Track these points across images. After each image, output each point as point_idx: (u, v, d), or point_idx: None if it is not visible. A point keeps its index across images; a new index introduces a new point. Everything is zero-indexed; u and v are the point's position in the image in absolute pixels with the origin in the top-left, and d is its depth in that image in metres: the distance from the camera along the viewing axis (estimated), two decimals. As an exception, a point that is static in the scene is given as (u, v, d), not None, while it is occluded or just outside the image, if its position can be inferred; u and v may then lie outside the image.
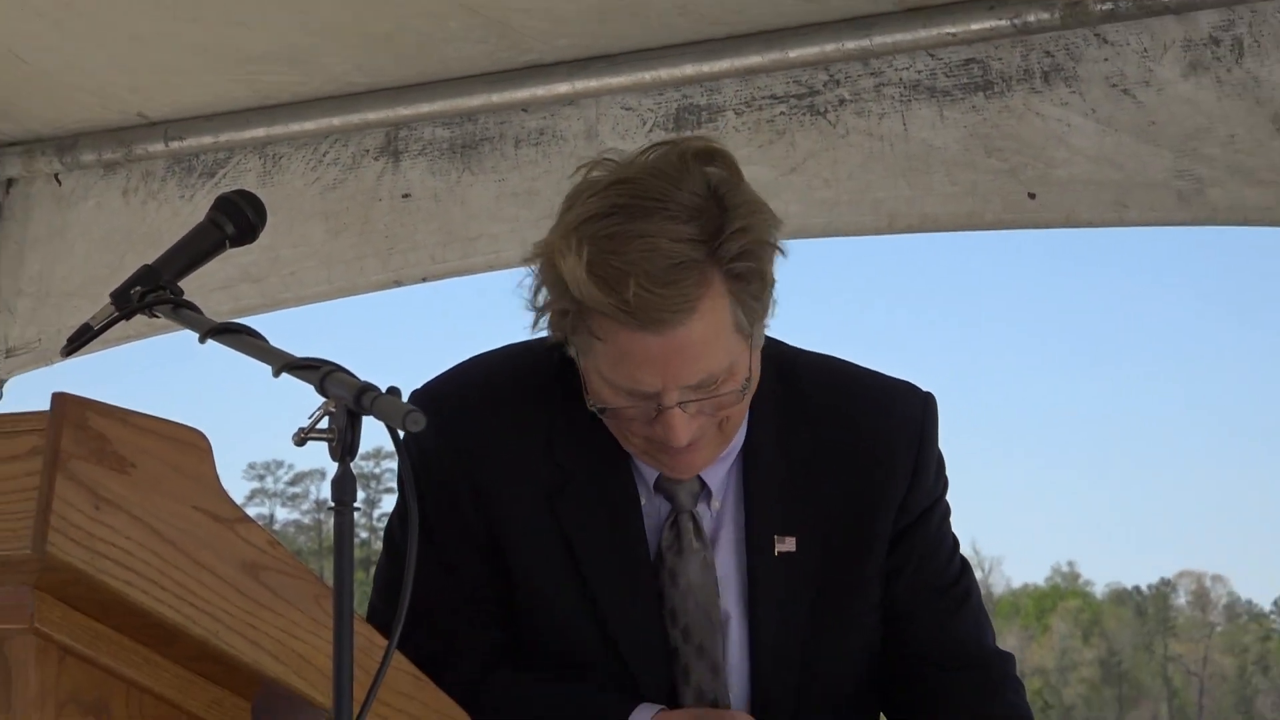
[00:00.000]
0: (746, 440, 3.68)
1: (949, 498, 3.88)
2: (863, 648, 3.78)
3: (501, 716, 3.55)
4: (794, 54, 5.36)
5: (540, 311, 3.59)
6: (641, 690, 3.66)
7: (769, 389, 3.68)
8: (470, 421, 3.63)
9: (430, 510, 3.55)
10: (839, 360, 3.84)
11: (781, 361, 3.71)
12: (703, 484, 3.65)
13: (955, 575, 3.84)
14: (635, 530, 3.67)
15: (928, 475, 3.75)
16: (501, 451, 3.65)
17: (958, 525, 3.92)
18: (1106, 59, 5.07)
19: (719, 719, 3.57)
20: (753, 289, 3.53)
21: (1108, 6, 5.00)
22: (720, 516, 3.67)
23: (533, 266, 3.59)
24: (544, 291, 3.58)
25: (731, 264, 3.47)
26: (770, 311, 3.62)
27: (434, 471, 3.56)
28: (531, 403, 3.70)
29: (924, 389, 3.82)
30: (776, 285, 3.63)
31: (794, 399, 3.71)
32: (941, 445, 3.83)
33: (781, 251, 3.62)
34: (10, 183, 6.54)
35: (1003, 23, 5.11)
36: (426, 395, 3.71)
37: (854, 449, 3.68)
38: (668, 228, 3.42)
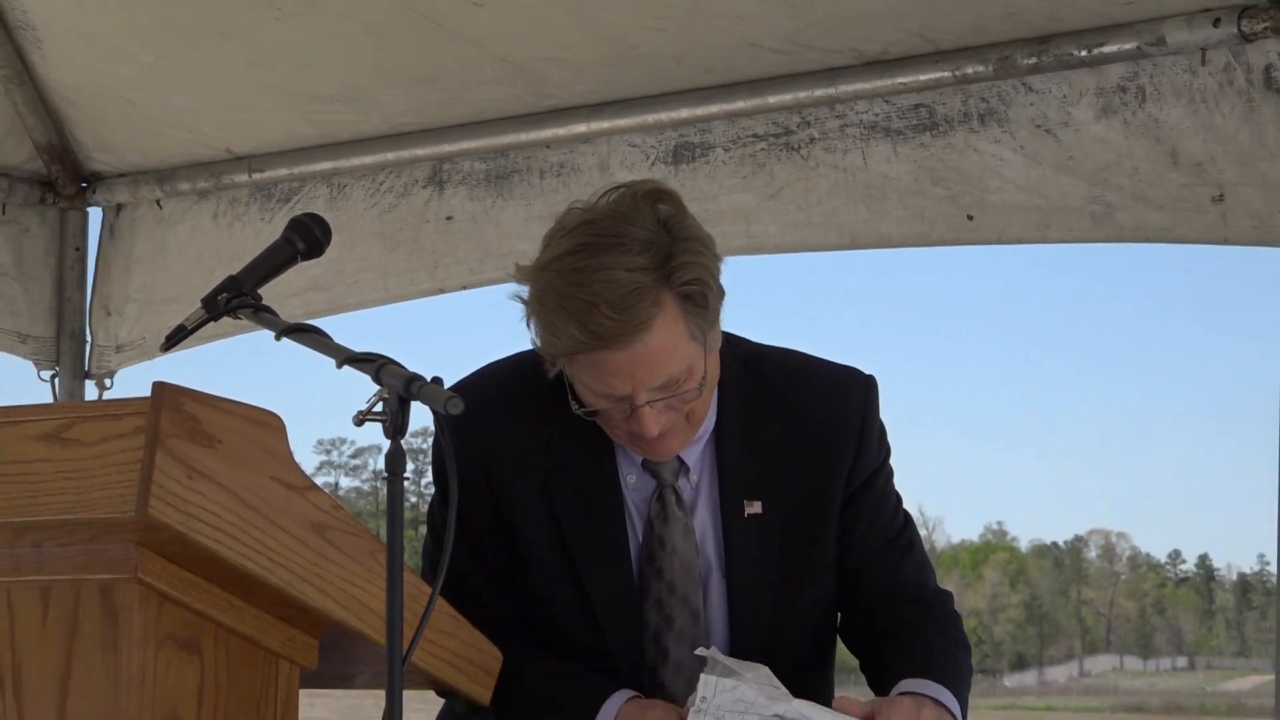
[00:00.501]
0: (717, 424, 3.69)
1: (894, 462, 3.89)
2: (824, 596, 3.78)
3: (503, 683, 3.55)
4: (773, 100, 5.36)
5: (541, 340, 3.60)
6: (622, 639, 3.69)
7: (738, 380, 3.70)
8: (483, 418, 3.62)
9: (458, 493, 3.56)
10: (796, 352, 3.85)
11: (748, 357, 3.73)
12: (681, 462, 3.66)
13: (899, 528, 3.86)
14: (616, 504, 3.67)
15: (871, 445, 3.75)
16: (507, 443, 3.66)
17: (907, 493, 3.92)
18: (1032, 104, 5.07)
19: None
20: (700, 304, 3.54)
21: (1033, 60, 5.01)
22: (698, 488, 3.68)
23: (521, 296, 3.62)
24: (532, 323, 3.60)
25: (681, 287, 3.49)
26: (718, 319, 3.63)
27: (457, 460, 3.57)
28: (535, 401, 3.69)
29: (865, 373, 3.84)
30: (730, 295, 3.66)
31: (759, 388, 3.72)
32: (895, 425, 3.83)
33: (719, 267, 3.64)
34: (120, 208, 6.54)
35: (945, 74, 5.12)
36: (474, 379, 3.73)
37: (808, 427, 3.69)
38: (624, 259, 3.44)
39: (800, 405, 3.72)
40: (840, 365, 3.86)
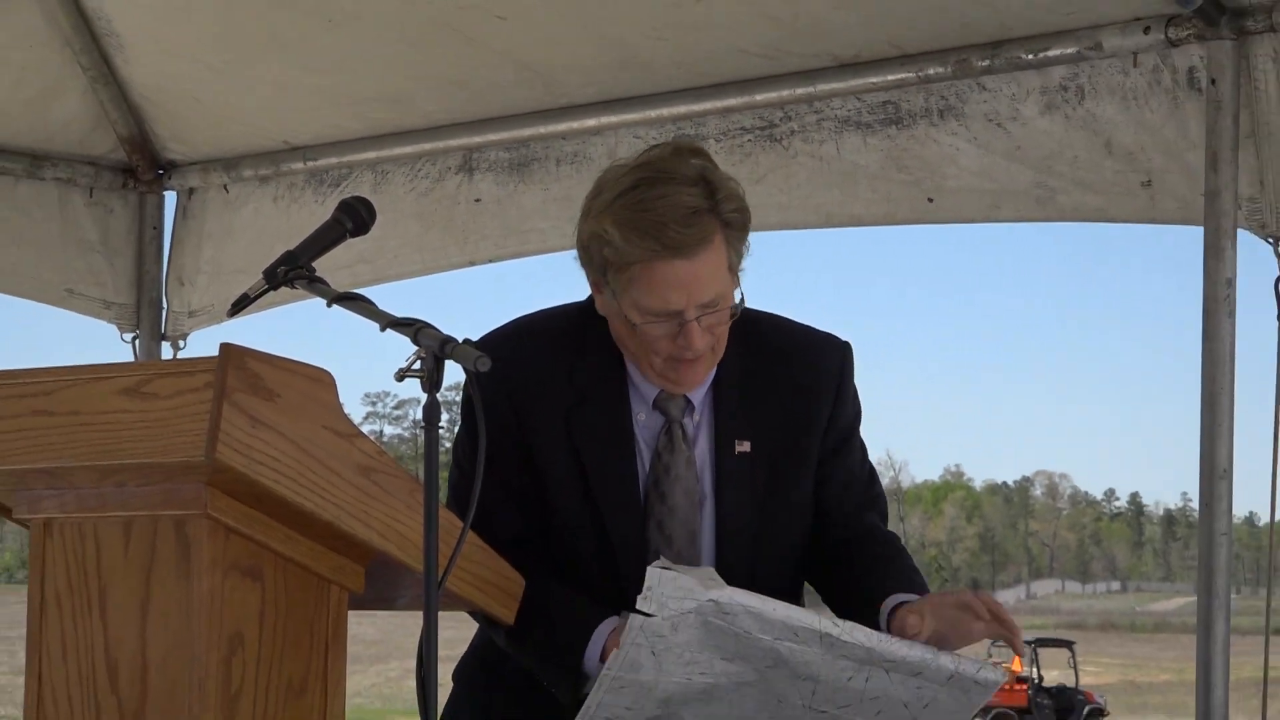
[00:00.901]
0: (717, 372, 3.68)
1: (867, 413, 3.87)
2: (799, 531, 3.75)
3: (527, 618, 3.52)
4: (758, 98, 5.35)
5: (594, 272, 3.60)
6: (628, 554, 3.65)
7: (735, 335, 3.67)
8: (515, 357, 3.61)
9: (478, 439, 3.55)
10: (783, 317, 3.83)
11: (745, 319, 3.71)
12: (689, 402, 3.65)
13: (867, 481, 3.84)
14: (628, 436, 3.64)
15: (846, 404, 3.74)
16: (535, 378, 3.63)
17: (878, 440, 3.98)
18: (985, 101, 5.05)
19: None
20: (740, 231, 3.58)
21: (986, 63, 5.00)
22: (698, 426, 3.66)
23: (579, 248, 3.62)
24: (592, 259, 3.59)
25: (727, 215, 3.53)
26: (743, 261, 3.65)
27: (484, 395, 3.57)
28: (559, 345, 3.68)
29: (843, 340, 3.82)
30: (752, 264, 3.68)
31: (753, 345, 3.70)
32: (867, 379, 3.80)
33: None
34: (191, 191, 6.54)
35: (909, 75, 5.10)
36: (484, 340, 3.71)
37: (793, 382, 3.66)
38: (681, 190, 3.48)
39: (787, 363, 3.70)
40: (822, 331, 3.85)
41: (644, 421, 3.66)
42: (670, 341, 3.55)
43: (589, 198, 3.58)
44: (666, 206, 3.46)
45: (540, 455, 3.62)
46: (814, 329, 3.87)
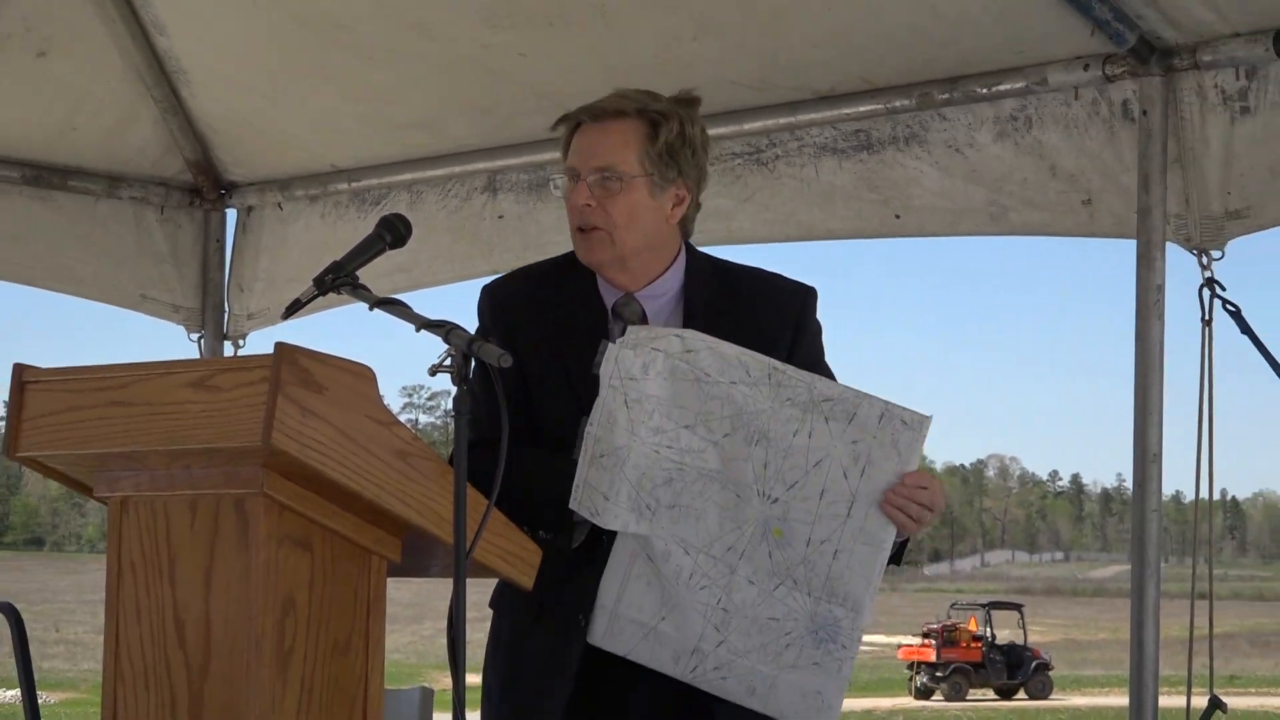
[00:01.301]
0: (686, 297, 3.63)
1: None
2: None
3: (512, 473, 3.33)
4: (747, 126, 5.34)
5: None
6: None
7: (705, 273, 3.68)
8: (507, 290, 3.65)
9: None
10: (759, 268, 3.75)
11: (721, 266, 3.67)
12: (643, 315, 3.60)
13: None
14: (597, 339, 3.53)
15: (805, 342, 3.65)
16: (526, 306, 3.63)
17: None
18: (945, 129, 5.05)
19: None
20: (653, 138, 3.58)
21: (945, 96, 4.99)
22: None
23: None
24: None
25: (649, 116, 3.59)
26: (672, 190, 3.65)
27: (485, 319, 3.57)
28: (549, 277, 3.68)
29: (808, 285, 3.76)
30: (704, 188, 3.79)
31: (724, 281, 3.63)
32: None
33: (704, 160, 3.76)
34: (250, 209, 6.54)
35: (879, 106, 5.10)
36: (492, 283, 3.74)
37: (756, 322, 3.59)
38: (628, 92, 3.65)
39: (752, 303, 3.64)
40: (789, 279, 3.77)
41: (617, 334, 3.56)
42: (570, 204, 3.61)
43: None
44: (607, 96, 3.64)
45: (532, 365, 3.57)
46: (782, 276, 3.81)
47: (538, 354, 3.60)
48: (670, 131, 3.60)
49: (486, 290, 3.74)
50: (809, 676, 3.37)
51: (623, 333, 3.50)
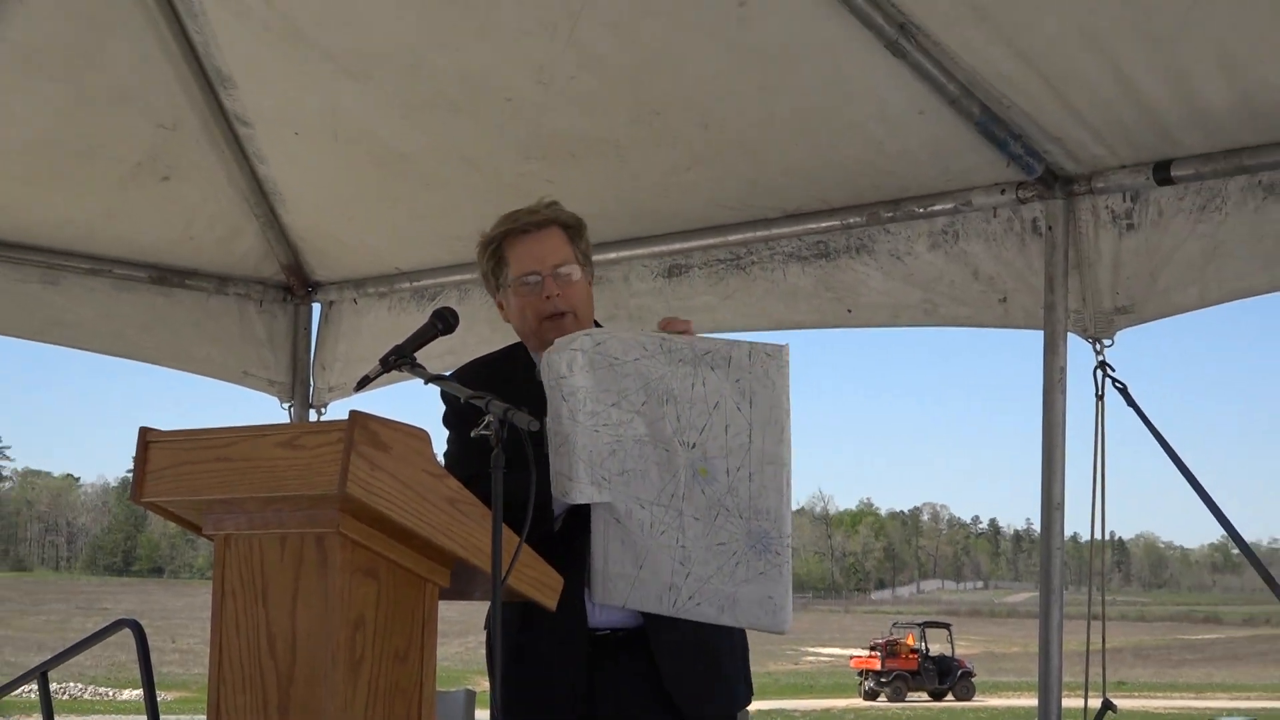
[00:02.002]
0: None
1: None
2: None
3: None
4: (729, 238, 5.34)
5: (494, 288, 3.73)
6: None
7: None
8: (477, 373, 3.65)
9: (457, 421, 3.52)
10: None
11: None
12: None
13: None
14: (541, 394, 3.50)
15: None
16: (496, 379, 3.53)
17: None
18: (888, 241, 5.04)
19: None
20: (576, 234, 3.68)
21: (890, 215, 4.98)
22: None
23: (483, 280, 3.81)
24: (486, 278, 3.76)
25: (563, 219, 3.68)
26: (591, 267, 3.76)
27: (454, 406, 3.55)
28: (489, 364, 3.72)
29: None
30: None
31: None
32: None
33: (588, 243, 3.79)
34: (331, 303, 6.55)
35: (836, 223, 5.09)
36: (463, 367, 3.76)
37: None
38: (536, 208, 3.69)
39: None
40: None
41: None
42: (539, 298, 3.60)
43: (480, 242, 3.78)
44: (518, 214, 3.68)
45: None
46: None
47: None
48: (583, 233, 3.70)
49: (461, 371, 3.77)
50: (759, 586, 3.30)
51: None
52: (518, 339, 3.81)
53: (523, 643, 3.60)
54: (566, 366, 3.36)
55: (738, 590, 3.32)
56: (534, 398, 3.48)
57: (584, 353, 3.37)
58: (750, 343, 3.25)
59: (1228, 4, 3.86)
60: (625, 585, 3.43)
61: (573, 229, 3.66)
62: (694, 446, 3.30)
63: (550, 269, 3.60)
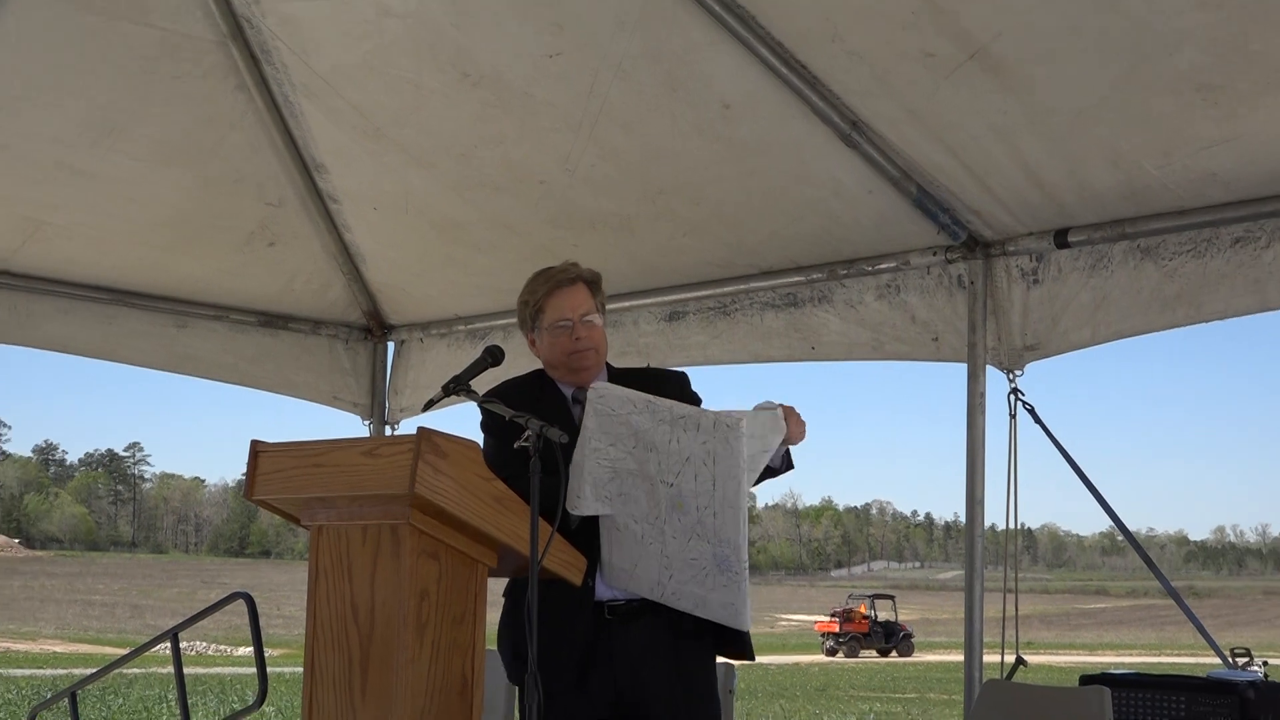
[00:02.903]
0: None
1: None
2: None
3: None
4: (717, 290, 5.34)
5: (529, 329, 3.64)
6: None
7: (617, 372, 3.65)
8: (502, 396, 3.49)
9: (495, 427, 3.48)
10: (646, 367, 3.82)
11: (620, 368, 3.67)
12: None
13: None
14: (567, 414, 3.52)
15: (689, 399, 3.55)
16: (526, 399, 3.48)
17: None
18: (844, 293, 5.04)
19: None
20: (596, 289, 3.61)
21: (845, 272, 4.98)
22: None
23: (519, 320, 3.70)
24: (523, 319, 3.66)
25: (586, 276, 3.60)
26: (605, 320, 3.65)
27: (491, 416, 3.47)
28: (518, 385, 3.61)
29: (680, 370, 3.71)
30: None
31: (626, 376, 3.61)
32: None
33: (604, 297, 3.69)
34: (402, 342, 6.54)
35: (802, 278, 5.09)
36: (500, 385, 3.63)
37: (658, 390, 3.41)
38: (558, 268, 3.61)
39: (647, 384, 3.50)
40: (668, 369, 3.79)
41: (573, 411, 3.56)
42: (569, 339, 3.54)
43: (520, 297, 3.68)
44: (553, 271, 3.60)
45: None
46: (663, 369, 3.82)
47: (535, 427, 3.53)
48: (600, 287, 3.65)
49: (488, 395, 3.62)
50: (723, 594, 3.30)
51: (578, 404, 3.54)
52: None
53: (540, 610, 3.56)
54: (592, 413, 3.37)
55: (707, 595, 3.34)
56: (557, 414, 3.47)
57: (590, 402, 3.38)
58: (715, 413, 3.26)
59: (1109, 108, 3.87)
60: (625, 577, 3.44)
61: (593, 284, 3.63)
62: (671, 485, 3.31)
63: (578, 317, 3.57)
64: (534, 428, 3.14)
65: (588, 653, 3.44)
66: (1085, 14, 3.57)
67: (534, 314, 3.62)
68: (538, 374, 3.68)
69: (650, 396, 3.35)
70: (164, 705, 16.92)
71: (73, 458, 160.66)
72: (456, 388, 3.38)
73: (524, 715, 3.06)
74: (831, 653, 46.56)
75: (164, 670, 22.58)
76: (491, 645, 3.52)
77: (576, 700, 3.42)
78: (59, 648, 37.04)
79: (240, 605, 5.30)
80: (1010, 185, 4.35)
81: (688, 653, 3.48)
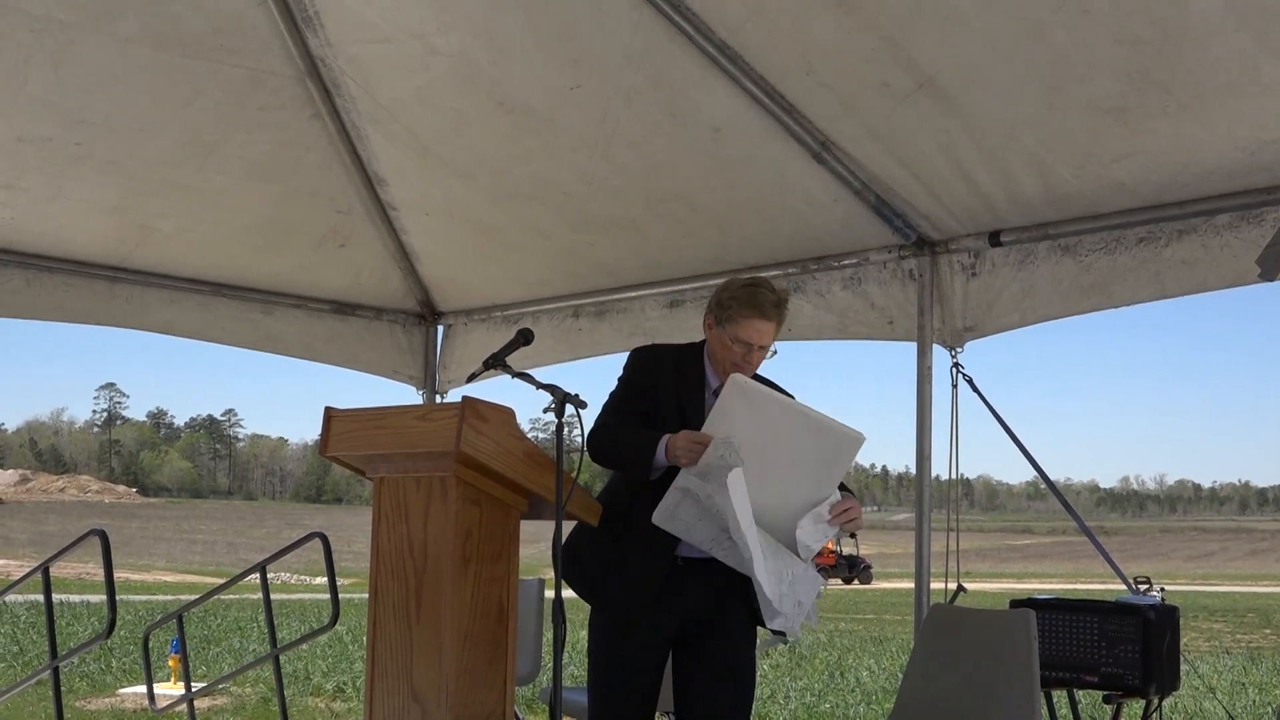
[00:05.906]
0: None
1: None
2: None
3: (629, 438, 3.30)
4: (711, 282, 5.29)
5: (713, 316, 3.41)
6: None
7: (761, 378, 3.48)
8: (649, 357, 3.43)
9: (631, 381, 3.38)
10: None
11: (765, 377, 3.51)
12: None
13: None
14: (702, 399, 3.39)
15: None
16: (660, 369, 3.42)
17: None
18: (815, 284, 5.01)
19: (703, 440, 3.21)
20: (782, 324, 3.40)
21: (815, 268, 4.95)
22: None
23: (713, 302, 3.42)
24: (721, 307, 3.38)
25: (782, 314, 3.37)
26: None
27: (634, 371, 3.39)
28: (675, 355, 3.47)
29: (789, 392, 3.50)
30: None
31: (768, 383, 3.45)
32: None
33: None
34: (449, 325, 6.49)
35: (779, 272, 5.05)
36: (649, 347, 3.52)
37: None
38: (769, 294, 3.34)
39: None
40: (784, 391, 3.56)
41: (709, 397, 3.42)
42: (740, 357, 3.36)
43: (720, 289, 3.44)
44: (763, 299, 3.33)
45: (662, 403, 3.40)
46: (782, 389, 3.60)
47: (666, 393, 3.43)
48: (783, 312, 3.41)
49: (637, 351, 3.49)
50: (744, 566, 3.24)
51: (715, 395, 3.37)
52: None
53: (621, 558, 3.40)
54: (699, 479, 3.22)
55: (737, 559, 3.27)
56: (693, 393, 3.38)
57: (685, 494, 3.23)
58: (840, 428, 3.21)
59: (1035, 127, 3.85)
60: (684, 527, 3.30)
61: (782, 316, 3.40)
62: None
63: (758, 344, 3.38)
64: (559, 394, 3.13)
65: (664, 585, 3.38)
66: (1015, 47, 3.55)
67: (727, 315, 3.38)
68: (697, 349, 3.50)
69: (781, 396, 3.27)
70: (255, 625, 17.02)
71: (179, 421, 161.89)
72: (494, 363, 3.37)
73: (555, 635, 3.08)
74: (804, 581, 46.59)
75: (254, 596, 22.71)
76: (524, 576, 3.51)
77: (651, 616, 3.36)
78: (169, 577, 37.25)
79: (317, 543, 5.31)
80: (953, 193, 4.33)
81: (738, 592, 3.40)
